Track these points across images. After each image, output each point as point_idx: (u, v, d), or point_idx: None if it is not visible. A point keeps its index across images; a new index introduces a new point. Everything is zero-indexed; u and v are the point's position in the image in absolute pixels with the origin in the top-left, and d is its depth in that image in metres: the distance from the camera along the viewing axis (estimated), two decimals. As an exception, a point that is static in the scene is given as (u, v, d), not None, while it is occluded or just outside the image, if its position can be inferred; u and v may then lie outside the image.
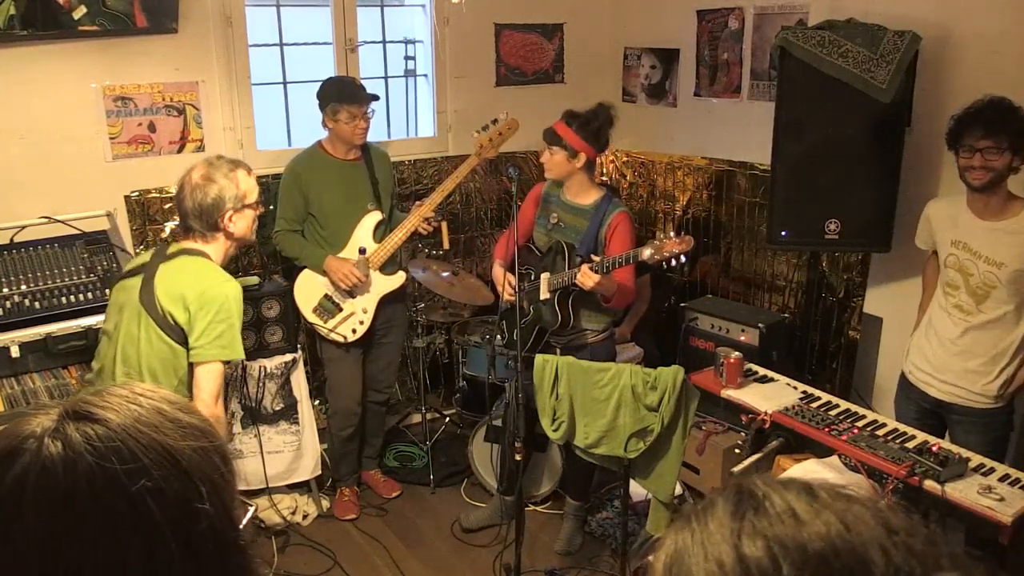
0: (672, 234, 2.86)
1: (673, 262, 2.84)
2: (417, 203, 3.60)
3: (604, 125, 3.12)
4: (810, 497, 0.56)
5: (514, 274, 2.92)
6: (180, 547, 0.68)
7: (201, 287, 2.38)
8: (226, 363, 2.46)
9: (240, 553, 0.76)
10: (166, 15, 3.49)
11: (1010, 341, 2.75)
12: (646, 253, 2.86)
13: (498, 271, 3.35)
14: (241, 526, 0.78)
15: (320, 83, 3.46)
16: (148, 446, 0.71)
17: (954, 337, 2.83)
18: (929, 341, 2.92)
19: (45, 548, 0.65)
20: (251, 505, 0.90)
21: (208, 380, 2.39)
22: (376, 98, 3.48)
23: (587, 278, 2.89)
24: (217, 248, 2.51)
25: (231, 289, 2.41)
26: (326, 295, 3.54)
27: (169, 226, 3.75)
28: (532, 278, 3.24)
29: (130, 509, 0.67)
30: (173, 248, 2.52)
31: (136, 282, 2.46)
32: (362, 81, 4.11)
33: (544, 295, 3.15)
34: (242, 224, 2.52)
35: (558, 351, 3.14)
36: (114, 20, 3.37)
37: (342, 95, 3.38)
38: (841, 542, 0.52)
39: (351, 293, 3.54)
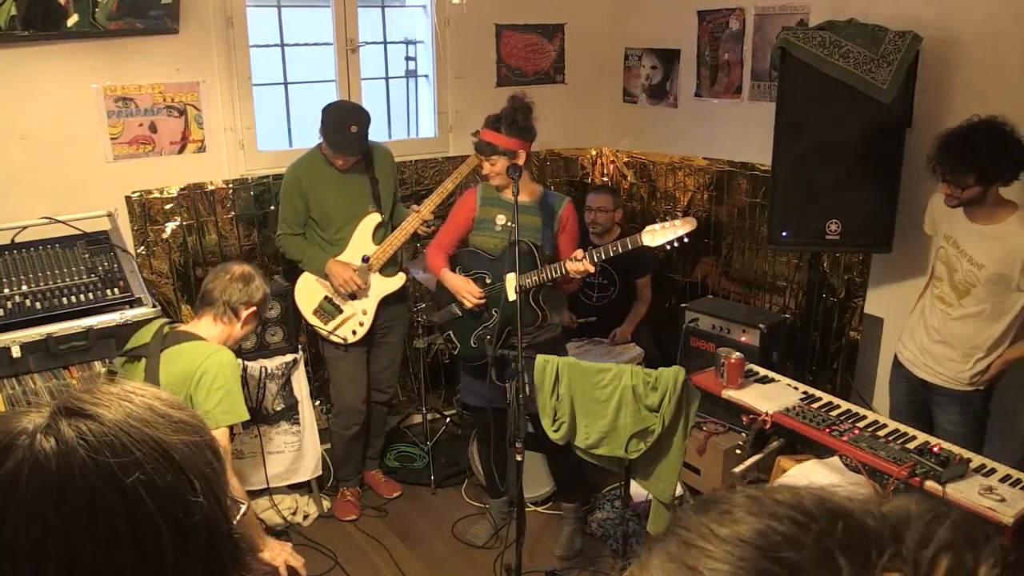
0: (670, 218, 2.89)
1: (676, 243, 2.86)
2: (415, 206, 3.60)
3: (526, 116, 3.11)
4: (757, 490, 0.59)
5: (515, 275, 2.91)
6: (173, 539, 0.69)
7: (194, 364, 2.49)
8: (231, 427, 2.57)
9: (233, 545, 0.76)
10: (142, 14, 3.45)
11: (986, 336, 2.85)
12: (646, 238, 2.87)
13: (456, 277, 3.25)
14: (235, 522, 0.79)
15: (325, 106, 3.42)
16: (140, 440, 0.71)
17: (937, 326, 2.96)
18: (919, 325, 3.05)
19: (38, 541, 0.66)
20: (242, 503, 0.92)
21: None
22: (355, 152, 3.41)
23: (586, 265, 2.92)
24: (219, 332, 2.65)
25: (223, 356, 2.53)
26: (326, 297, 3.55)
27: (170, 227, 3.76)
28: (487, 281, 3.22)
29: (124, 501, 0.68)
30: (168, 329, 2.64)
31: (139, 370, 2.55)
32: (363, 81, 4.14)
33: (512, 296, 3.10)
34: (249, 327, 2.73)
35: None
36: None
37: (327, 135, 3.38)
38: (806, 492, 0.54)
39: (352, 295, 3.54)
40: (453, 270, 3.30)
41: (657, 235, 2.86)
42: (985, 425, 2.97)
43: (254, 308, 2.68)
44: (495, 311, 3.20)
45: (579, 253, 2.96)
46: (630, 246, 2.89)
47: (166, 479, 0.71)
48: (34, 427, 0.70)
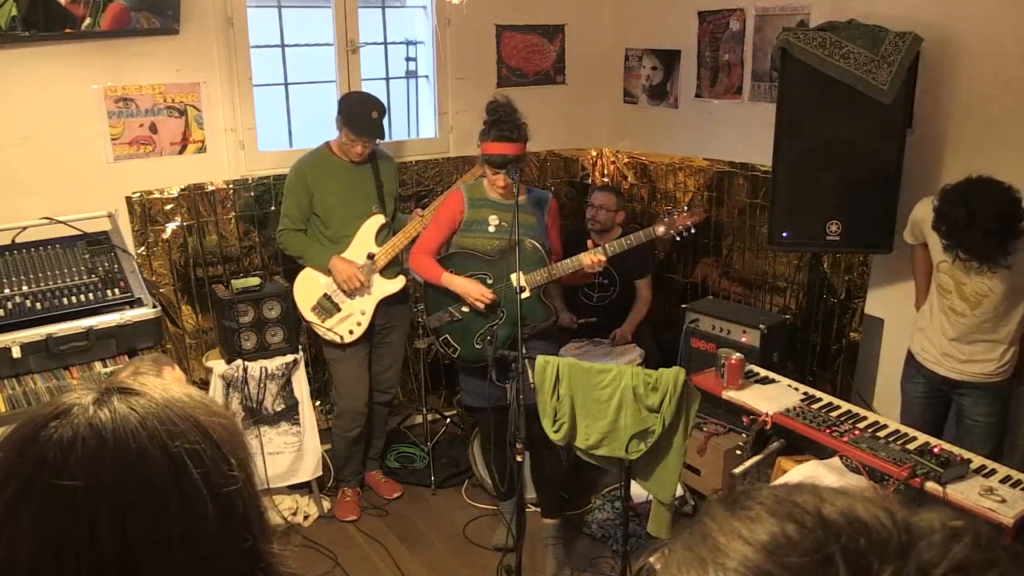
0: (684, 207, 3.04)
1: (684, 233, 3.01)
2: (418, 209, 3.61)
3: (517, 114, 3.11)
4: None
5: (516, 275, 2.92)
6: (214, 505, 0.74)
7: None
8: None
9: (264, 521, 0.82)
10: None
11: (1008, 331, 2.91)
12: (660, 230, 3.01)
13: (463, 281, 3.21)
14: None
15: (344, 95, 3.54)
16: (184, 417, 0.78)
17: (952, 335, 2.98)
18: (936, 333, 3.05)
19: (94, 497, 0.70)
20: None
21: None
22: (377, 136, 3.49)
23: (600, 256, 3.02)
24: None
25: None
26: (325, 294, 3.55)
27: (171, 227, 3.76)
28: (489, 282, 3.21)
29: (172, 464, 0.74)
30: None
31: None
32: (363, 82, 4.14)
33: (525, 293, 3.12)
34: None
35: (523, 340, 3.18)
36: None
37: (349, 119, 3.43)
38: (831, 497, 0.54)
39: (351, 294, 3.55)
40: None
41: (668, 228, 3.03)
42: (1009, 407, 3.02)
43: None
44: (502, 311, 3.20)
45: (591, 244, 3.05)
46: (644, 239, 3.03)
47: (208, 452, 0.76)
48: (87, 401, 0.77)
